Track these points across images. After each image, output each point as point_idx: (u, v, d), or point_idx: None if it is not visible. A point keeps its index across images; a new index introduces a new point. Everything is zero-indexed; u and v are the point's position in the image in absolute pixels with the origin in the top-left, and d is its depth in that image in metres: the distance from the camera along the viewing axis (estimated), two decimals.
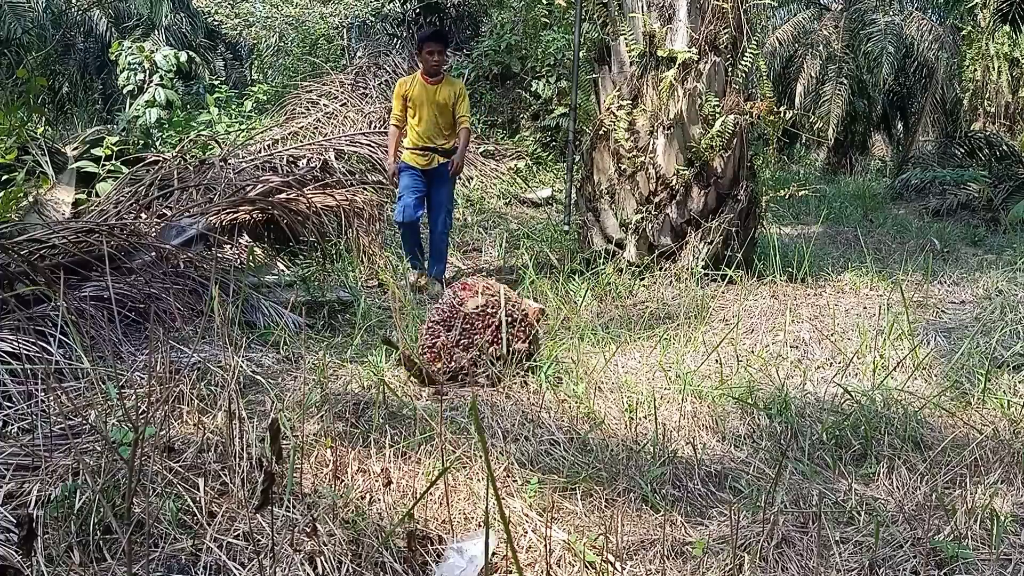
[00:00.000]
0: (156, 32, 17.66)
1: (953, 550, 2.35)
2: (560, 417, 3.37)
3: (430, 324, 3.89)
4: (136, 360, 3.44)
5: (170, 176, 6.87)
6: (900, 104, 19.45)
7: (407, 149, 5.82)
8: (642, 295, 5.56)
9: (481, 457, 2.88)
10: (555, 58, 11.34)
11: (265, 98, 12.80)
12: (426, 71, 5.68)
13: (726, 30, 6.06)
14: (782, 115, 6.47)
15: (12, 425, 2.76)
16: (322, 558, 2.12)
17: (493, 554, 2.26)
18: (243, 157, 8.07)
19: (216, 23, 16.65)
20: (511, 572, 2.24)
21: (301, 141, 9.58)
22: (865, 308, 5.21)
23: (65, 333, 3.26)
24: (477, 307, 3.83)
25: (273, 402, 3.05)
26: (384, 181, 8.32)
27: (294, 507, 2.33)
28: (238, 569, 2.09)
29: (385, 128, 10.44)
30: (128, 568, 1.98)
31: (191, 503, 2.29)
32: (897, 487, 2.83)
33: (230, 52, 21.05)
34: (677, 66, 5.92)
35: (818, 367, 4.21)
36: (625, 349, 4.41)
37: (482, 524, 2.47)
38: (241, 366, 3.12)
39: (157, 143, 9.24)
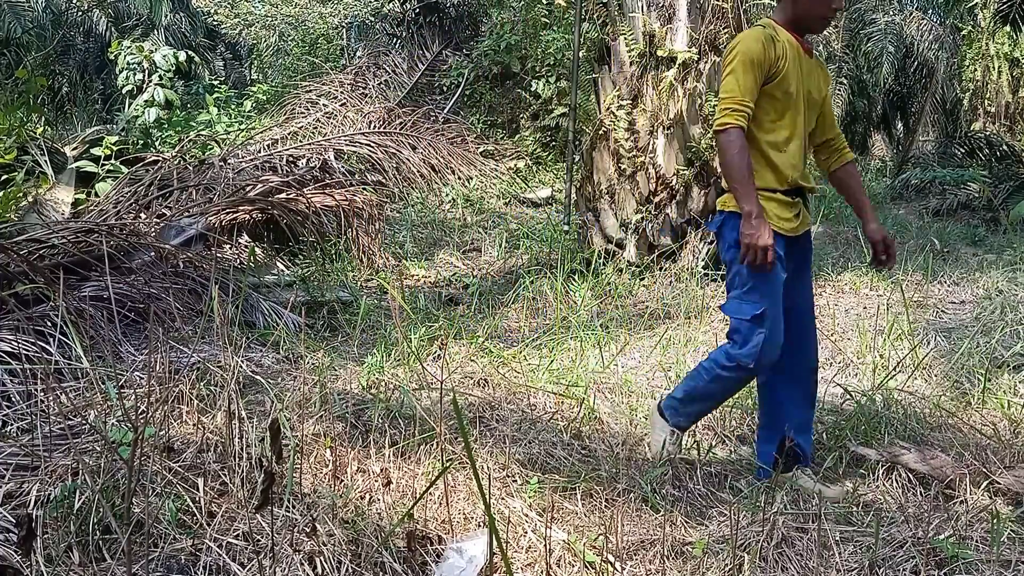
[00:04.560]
0: (156, 32, 17.63)
1: (953, 550, 2.35)
2: (560, 417, 3.37)
3: None
4: (136, 360, 3.43)
5: (170, 176, 6.87)
6: (900, 104, 19.42)
7: (762, 192, 2.74)
8: (642, 295, 5.56)
9: (481, 457, 2.88)
10: (555, 58, 11.32)
11: (265, 98, 12.80)
12: (810, 28, 2.85)
13: (726, 30, 6.06)
14: None
15: (12, 425, 2.76)
16: (322, 558, 2.12)
17: (493, 554, 2.26)
18: (243, 157, 8.06)
19: (216, 23, 16.66)
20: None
21: (301, 141, 9.57)
22: (865, 308, 5.21)
23: (65, 333, 3.26)
24: None
25: (273, 402, 3.05)
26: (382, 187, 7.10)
27: (294, 507, 2.33)
28: (238, 569, 2.08)
29: (387, 129, 10.06)
30: (128, 568, 1.98)
31: (191, 503, 2.28)
32: (897, 487, 2.83)
33: (230, 52, 21.01)
34: (677, 66, 5.92)
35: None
36: (625, 349, 4.41)
37: (482, 524, 2.47)
38: (241, 366, 3.12)
39: (156, 143, 9.22)
